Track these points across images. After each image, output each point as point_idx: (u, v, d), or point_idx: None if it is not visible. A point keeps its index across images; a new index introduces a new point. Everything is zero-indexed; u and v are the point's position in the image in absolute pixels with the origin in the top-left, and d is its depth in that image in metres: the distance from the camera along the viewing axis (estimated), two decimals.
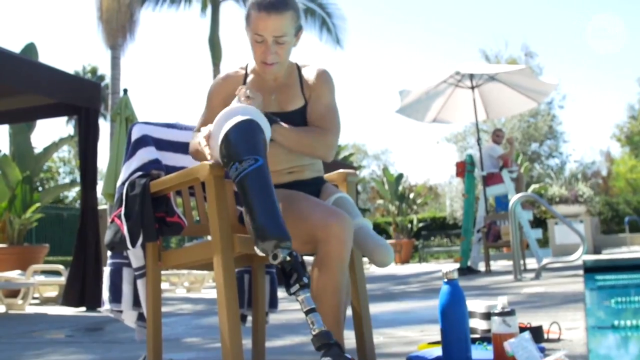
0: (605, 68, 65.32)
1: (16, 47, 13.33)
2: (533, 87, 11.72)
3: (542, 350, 2.57)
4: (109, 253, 2.86)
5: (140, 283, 2.82)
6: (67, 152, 35.73)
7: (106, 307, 2.87)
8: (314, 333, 2.09)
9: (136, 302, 2.87)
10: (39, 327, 5.75)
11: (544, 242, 17.66)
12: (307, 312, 2.10)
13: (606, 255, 13.70)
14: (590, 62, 67.44)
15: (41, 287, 8.86)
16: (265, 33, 2.52)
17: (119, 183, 2.79)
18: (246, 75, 2.71)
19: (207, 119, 2.64)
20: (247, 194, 2.22)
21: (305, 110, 2.67)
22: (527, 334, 2.29)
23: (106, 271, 2.88)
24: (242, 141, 2.30)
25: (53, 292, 9.15)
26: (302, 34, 2.69)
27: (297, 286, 2.12)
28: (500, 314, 2.32)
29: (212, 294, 9.80)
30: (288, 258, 2.12)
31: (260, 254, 2.16)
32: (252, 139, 2.32)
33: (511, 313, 2.32)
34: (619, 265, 10.06)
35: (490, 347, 2.42)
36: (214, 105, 2.66)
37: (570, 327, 3.35)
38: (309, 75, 2.72)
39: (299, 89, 2.69)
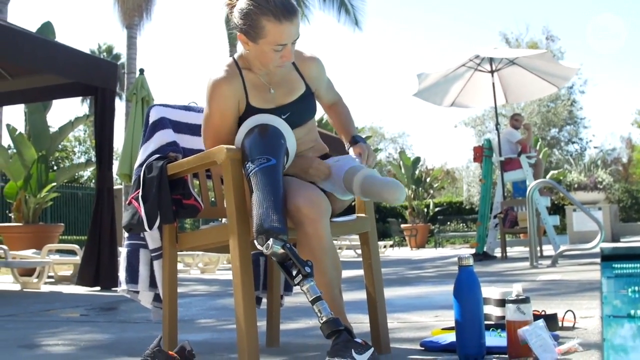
0: (628, 53, 64.70)
1: (32, 26, 13.35)
2: (553, 71, 11.61)
3: (556, 338, 2.55)
4: (125, 234, 2.88)
5: (156, 264, 2.85)
6: (82, 131, 35.88)
7: (123, 287, 2.90)
8: (322, 321, 2.10)
9: (152, 283, 2.90)
10: (54, 306, 5.79)
11: (561, 229, 17.60)
12: (313, 301, 2.11)
13: (624, 243, 13.64)
14: None
15: (56, 266, 8.93)
16: (289, 40, 2.47)
17: (136, 165, 2.80)
18: (241, 72, 2.63)
19: (222, 125, 2.59)
20: (253, 189, 2.26)
21: (307, 94, 2.69)
22: (541, 322, 2.28)
23: (123, 252, 2.91)
24: (258, 143, 2.35)
25: (68, 271, 9.22)
26: None
27: (300, 277, 2.13)
28: (515, 302, 2.31)
29: (226, 275, 9.84)
30: (280, 250, 2.12)
31: (258, 246, 2.17)
32: (272, 142, 2.37)
33: (526, 300, 2.31)
34: (638, 254, 10.02)
35: (504, 334, 2.41)
36: (223, 118, 2.57)
37: (585, 316, 3.32)
38: (304, 62, 2.70)
39: (298, 76, 2.69)
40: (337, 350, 2.02)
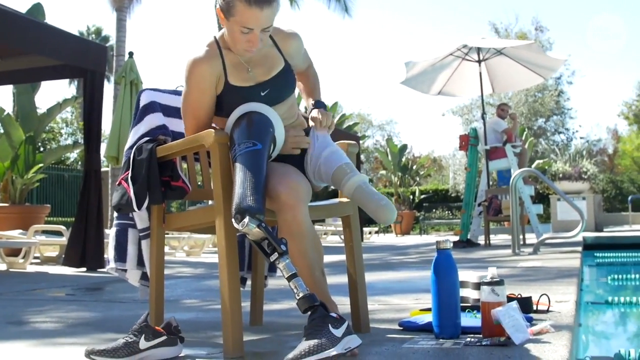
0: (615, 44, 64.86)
1: (22, 7, 13.28)
2: (540, 62, 11.71)
3: (529, 320, 2.64)
4: (115, 214, 2.95)
5: (144, 244, 2.92)
6: (69, 113, 35.70)
7: (111, 265, 2.97)
8: (298, 297, 2.16)
9: (140, 262, 2.97)
10: (40, 286, 5.85)
11: (545, 218, 17.76)
12: (289, 278, 2.17)
13: (607, 233, 13.79)
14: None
15: (42, 246, 8.96)
16: (256, 27, 2.49)
17: (126, 147, 2.88)
18: (221, 51, 2.67)
19: (202, 115, 2.66)
20: (236, 172, 2.33)
21: (286, 70, 2.73)
22: (514, 304, 2.36)
23: (112, 231, 2.98)
24: (246, 129, 2.43)
25: (54, 253, 9.26)
26: None
27: (275, 254, 2.19)
28: (489, 284, 2.38)
29: (211, 258, 9.91)
30: (255, 228, 2.17)
31: (235, 225, 2.22)
32: (259, 128, 2.44)
33: (500, 283, 2.39)
34: (619, 243, 10.20)
35: (479, 315, 2.49)
36: (202, 96, 2.64)
37: (560, 300, 3.41)
38: (284, 40, 2.74)
39: (277, 53, 2.73)
40: (315, 326, 2.08)
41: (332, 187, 2.65)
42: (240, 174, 2.30)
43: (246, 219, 2.17)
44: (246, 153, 2.35)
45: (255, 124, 2.46)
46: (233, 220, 2.23)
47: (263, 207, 2.25)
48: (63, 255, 7.83)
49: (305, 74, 2.96)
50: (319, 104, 2.82)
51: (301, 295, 2.15)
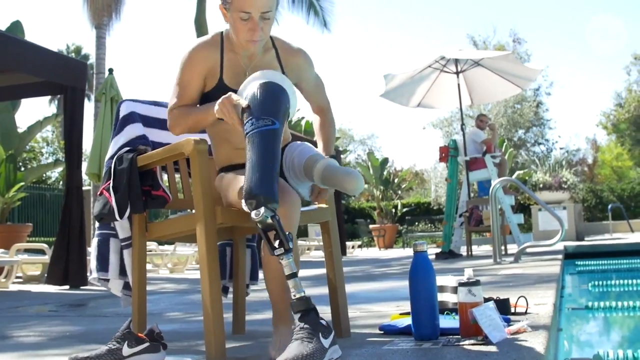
0: (594, 55, 65.59)
1: (1, 25, 13.26)
2: (517, 73, 11.80)
3: (507, 321, 2.68)
4: (97, 224, 2.98)
5: (126, 253, 2.95)
6: (50, 132, 35.56)
7: (94, 275, 2.99)
8: (294, 297, 2.17)
9: (122, 272, 3.00)
10: (24, 303, 5.83)
11: (527, 228, 17.83)
12: (288, 277, 2.18)
13: (588, 242, 13.89)
14: (579, 49, 67.87)
15: (24, 265, 8.92)
16: (253, 10, 2.50)
17: (107, 157, 2.91)
18: (222, 49, 2.68)
19: (185, 94, 2.66)
20: (252, 150, 2.27)
21: None
22: (491, 304, 2.40)
23: (94, 242, 3.01)
24: (268, 101, 2.37)
25: (36, 271, 9.22)
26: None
27: (281, 249, 2.18)
28: (466, 284, 2.43)
29: (194, 274, 9.89)
30: (269, 220, 2.17)
31: (245, 208, 2.21)
32: (278, 104, 2.39)
33: (476, 283, 2.43)
34: (600, 252, 10.30)
35: (457, 317, 2.53)
36: (191, 79, 2.65)
37: (538, 303, 3.46)
38: (288, 53, 2.77)
39: (278, 66, 2.73)
40: (308, 334, 2.08)
41: (307, 179, 2.62)
42: (255, 155, 2.25)
43: (262, 209, 2.15)
44: (265, 132, 2.29)
45: (277, 98, 2.40)
46: (243, 202, 2.21)
47: (277, 196, 2.21)
48: (46, 274, 7.81)
49: (321, 116, 2.91)
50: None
51: (298, 296, 2.16)
